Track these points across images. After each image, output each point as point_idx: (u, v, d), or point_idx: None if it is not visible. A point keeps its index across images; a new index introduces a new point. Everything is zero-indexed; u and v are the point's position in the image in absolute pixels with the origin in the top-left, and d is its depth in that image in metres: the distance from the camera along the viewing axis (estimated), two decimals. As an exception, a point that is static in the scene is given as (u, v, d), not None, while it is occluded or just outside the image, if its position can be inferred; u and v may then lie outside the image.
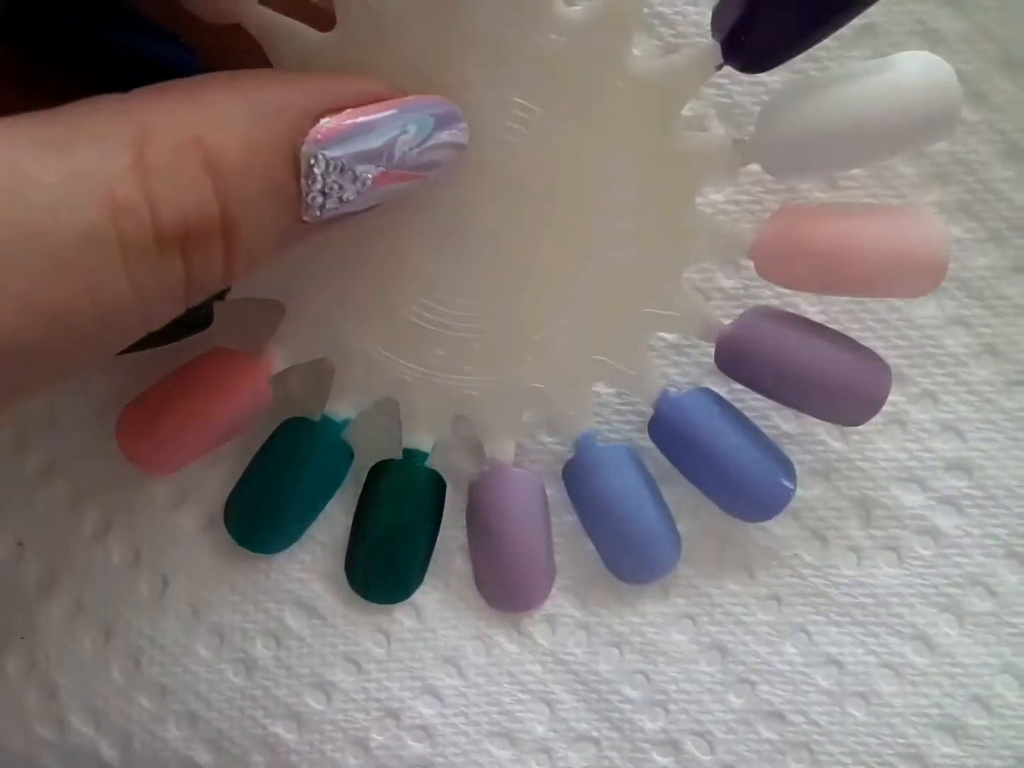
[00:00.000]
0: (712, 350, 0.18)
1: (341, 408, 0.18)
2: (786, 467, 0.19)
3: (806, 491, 0.20)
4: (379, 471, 0.19)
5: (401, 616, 0.20)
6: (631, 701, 0.20)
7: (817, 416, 0.18)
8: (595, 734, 0.20)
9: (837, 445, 0.20)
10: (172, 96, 0.13)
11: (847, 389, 0.17)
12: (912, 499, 0.20)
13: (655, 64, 0.16)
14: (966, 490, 0.20)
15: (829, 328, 0.18)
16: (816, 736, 0.20)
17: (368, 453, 0.19)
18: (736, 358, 0.18)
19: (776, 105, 0.16)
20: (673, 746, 0.20)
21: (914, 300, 0.19)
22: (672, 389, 0.18)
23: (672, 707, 0.20)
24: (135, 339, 0.13)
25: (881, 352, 0.19)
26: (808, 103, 0.15)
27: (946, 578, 0.20)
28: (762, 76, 0.18)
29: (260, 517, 0.19)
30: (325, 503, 0.19)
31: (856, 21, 0.18)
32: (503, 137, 0.16)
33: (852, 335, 0.19)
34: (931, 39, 0.18)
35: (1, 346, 0.11)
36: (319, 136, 0.13)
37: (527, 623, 0.20)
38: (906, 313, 0.19)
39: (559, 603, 0.20)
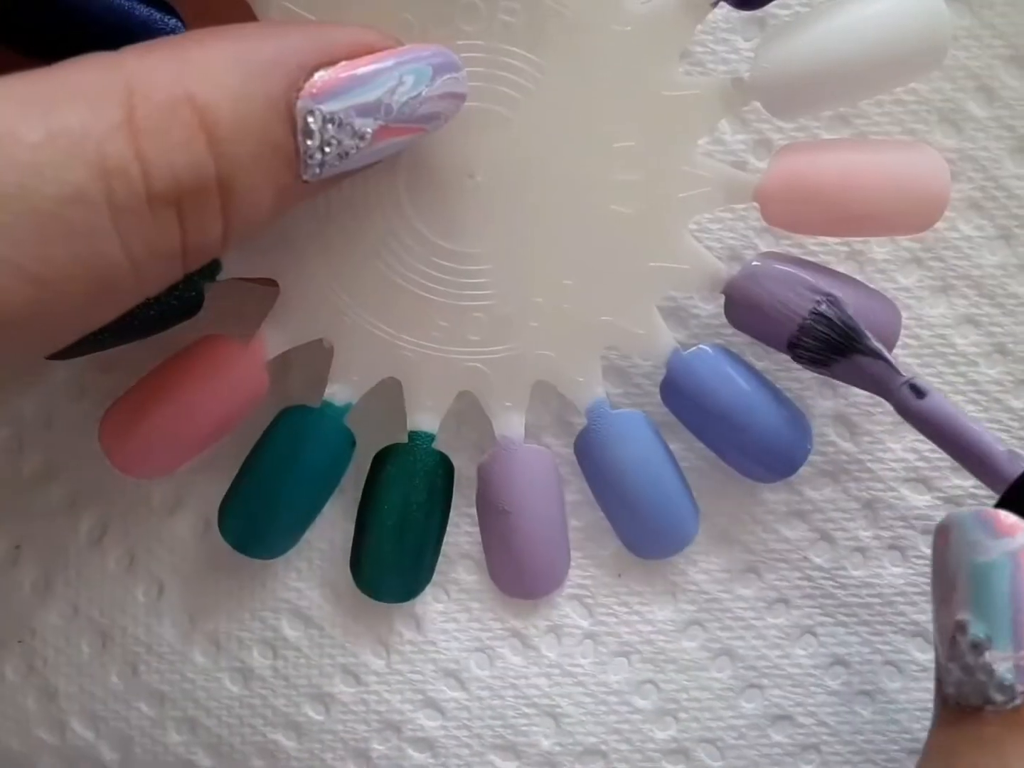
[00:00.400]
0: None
1: (342, 392, 0.18)
2: (802, 424, 0.19)
3: (815, 492, 0.20)
4: (384, 457, 0.18)
5: (401, 627, 0.20)
6: (641, 711, 0.20)
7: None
8: (603, 747, 0.20)
9: (847, 446, 0.20)
10: (161, 53, 0.12)
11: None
12: (918, 499, 0.20)
13: (651, 5, 0.16)
14: (971, 490, 0.20)
15: (834, 271, 0.18)
16: (825, 737, 0.20)
17: (369, 444, 0.19)
18: (742, 306, 0.17)
19: (772, 41, 0.16)
20: (684, 755, 0.20)
21: (925, 299, 0.19)
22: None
23: (682, 715, 0.20)
24: (132, 305, 0.13)
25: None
26: (803, 37, 0.16)
27: (952, 577, 0.20)
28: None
29: (258, 517, 0.18)
30: (327, 497, 0.19)
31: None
32: (499, 90, 0.16)
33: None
34: (941, 34, 0.18)
35: None
36: (314, 90, 0.13)
37: (532, 634, 0.20)
38: (917, 312, 0.19)
39: (565, 613, 0.20)
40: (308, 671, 0.20)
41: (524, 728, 0.20)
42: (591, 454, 0.18)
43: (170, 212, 0.12)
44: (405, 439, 0.18)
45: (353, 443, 0.18)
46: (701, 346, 0.18)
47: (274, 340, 0.17)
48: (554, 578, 0.19)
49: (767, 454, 0.18)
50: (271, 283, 0.17)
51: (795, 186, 0.17)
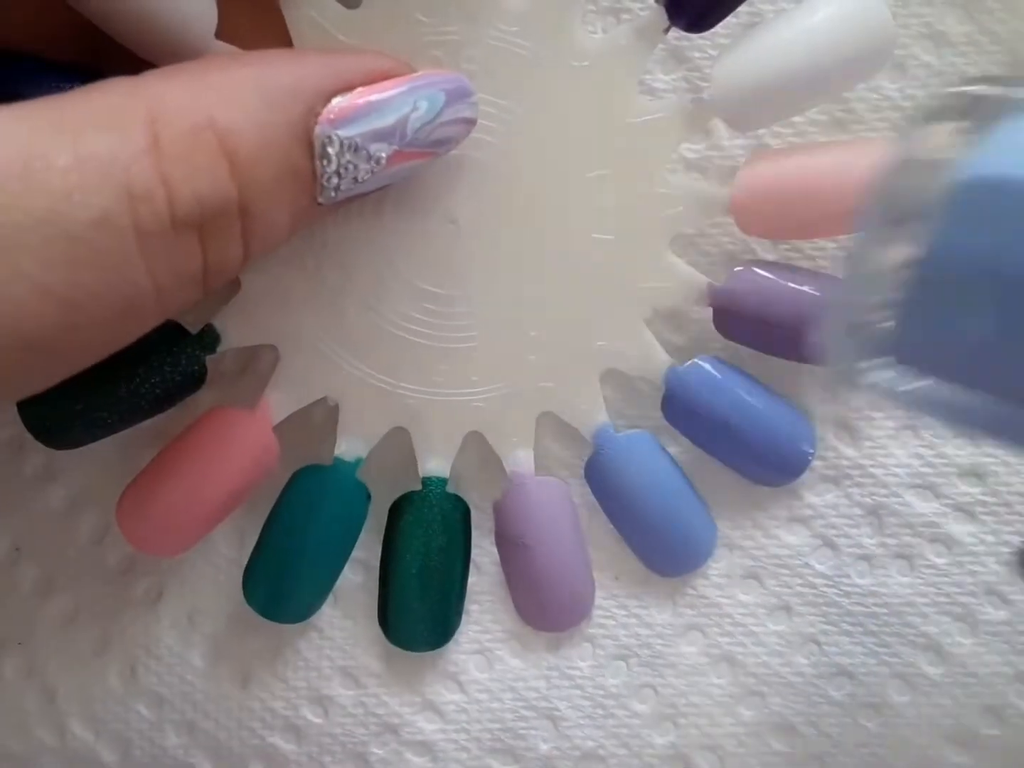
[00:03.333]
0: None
1: (351, 447, 0.20)
2: (804, 427, 0.20)
3: (817, 498, 0.21)
4: (400, 506, 0.20)
5: (400, 629, 0.22)
6: (639, 716, 0.22)
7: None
8: (601, 751, 0.21)
9: (848, 451, 0.21)
10: (183, 78, 0.14)
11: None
12: (925, 506, 0.21)
13: (605, 38, 0.18)
14: (980, 496, 0.21)
15: (820, 273, 0.20)
16: (828, 748, 0.21)
17: (381, 494, 0.20)
18: (732, 315, 0.19)
19: (726, 58, 0.18)
20: (683, 761, 0.22)
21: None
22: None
23: (681, 721, 0.22)
24: (151, 326, 0.14)
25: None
26: (753, 52, 0.18)
27: (960, 587, 0.21)
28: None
29: (283, 582, 0.20)
30: (348, 553, 0.20)
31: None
32: (471, 135, 0.18)
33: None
34: (937, 41, 0.20)
35: (17, 331, 0.12)
36: (332, 116, 0.14)
37: (531, 637, 0.22)
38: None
39: (564, 615, 0.22)
40: (307, 673, 0.21)
41: (523, 731, 0.22)
42: (602, 479, 0.20)
43: (192, 235, 0.13)
44: (418, 484, 0.20)
45: (368, 496, 0.20)
46: (696, 360, 0.20)
47: (279, 404, 0.19)
48: (580, 608, 0.21)
49: (772, 459, 0.20)
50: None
51: (763, 195, 0.18)
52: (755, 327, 0.19)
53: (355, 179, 0.15)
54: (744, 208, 0.19)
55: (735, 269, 0.19)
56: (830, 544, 0.21)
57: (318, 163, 0.15)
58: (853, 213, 0.17)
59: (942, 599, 0.21)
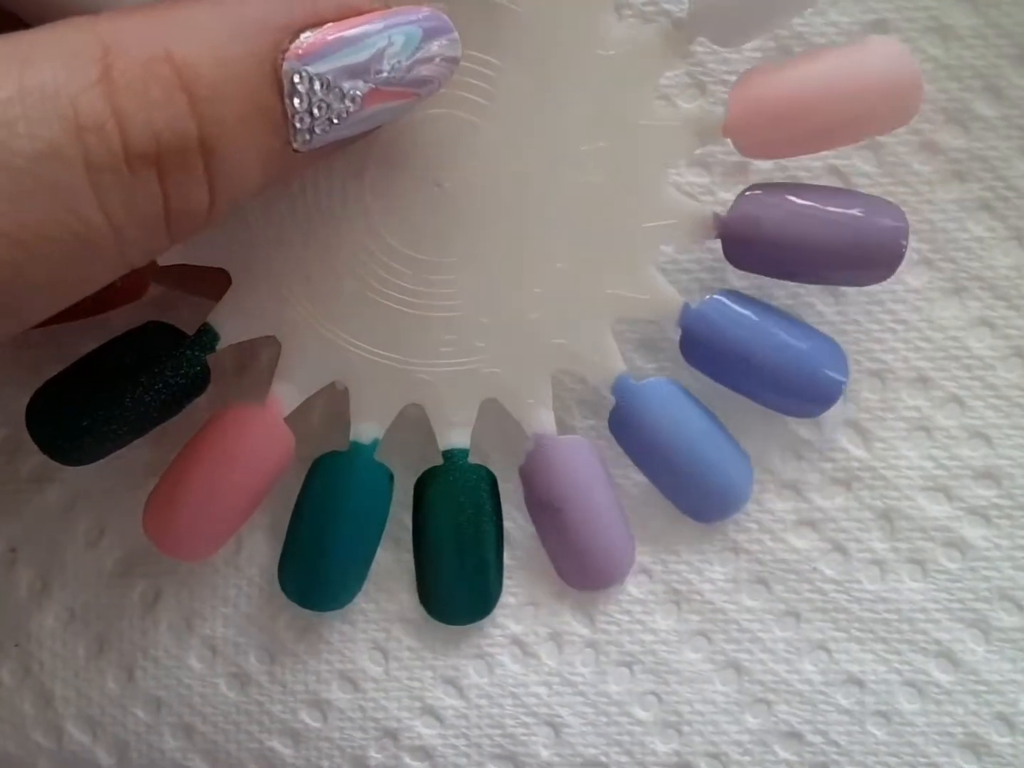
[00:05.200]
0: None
1: (367, 430, 0.20)
2: (834, 353, 0.20)
3: (826, 501, 0.21)
4: (424, 482, 0.20)
5: (399, 634, 0.22)
6: (642, 723, 0.22)
7: (840, 284, 0.20)
8: (603, 759, 0.22)
9: (859, 452, 0.21)
10: (140, 14, 0.13)
11: (862, 247, 0.19)
12: (938, 509, 0.21)
13: None
14: (995, 500, 0.21)
15: (828, 187, 0.19)
16: (835, 756, 0.21)
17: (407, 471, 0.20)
18: (744, 241, 0.19)
19: None
20: (686, 768, 0.22)
21: (936, 301, 0.21)
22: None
23: (685, 728, 0.22)
24: (115, 274, 0.14)
25: (904, 355, 0.21)
26: None
27: (973, 592, 0.21)
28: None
29: (316, 571, 0.20)
30: (379, 535, 0.20)
31: (868, 17, 0.20)
32: (461, 95, 0.17)
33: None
34: (944, 35, 0.20)
35: None
36: (300, 51, 0.14)
37: (532, 641, 0.22)
38: (928, 314, 0.21)
39: (565, 620, 0.22)
40: (305, 677, 0.22)
41: (523, 738, 0.22)
42: (627, 430, 0.20)
43: (150, 173, 0.13)
44: (440, 458, 0.20)
45: (391, 476, 0.20)
46: (712, 296, 0.19)
47: (288, 395, 0.19)
48: (622, 563, 0.21)
49: (801, 388, 0.20)
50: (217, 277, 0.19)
51: (762, 112, 0.18)
52: (767, 250, 0.19)
53: (330, 120, 0.15)
54: (742, 129, 0.18)
55: (746, 194, 0.19)
56: (840, 548, 0.22)
57: (288, 101, 0.14)
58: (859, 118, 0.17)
59: (955, 605, 0.21)
